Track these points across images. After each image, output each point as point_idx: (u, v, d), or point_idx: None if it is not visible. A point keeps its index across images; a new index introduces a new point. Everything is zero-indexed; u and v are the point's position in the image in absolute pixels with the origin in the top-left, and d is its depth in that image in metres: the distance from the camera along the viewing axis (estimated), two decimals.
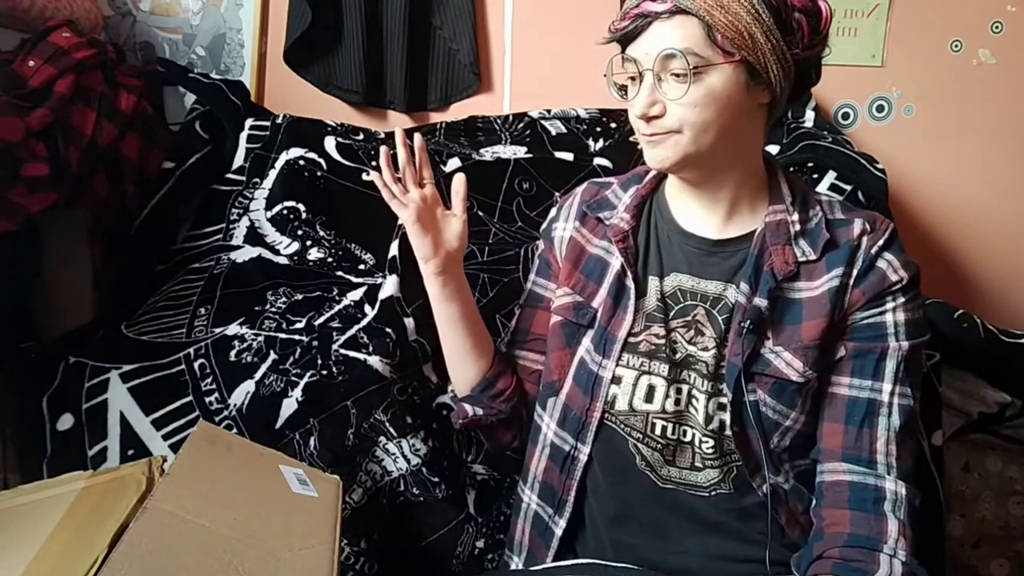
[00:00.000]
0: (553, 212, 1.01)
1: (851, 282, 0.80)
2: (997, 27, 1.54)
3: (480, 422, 0.96)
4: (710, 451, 0.82)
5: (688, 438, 0.83)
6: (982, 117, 1.57)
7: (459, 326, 0.94)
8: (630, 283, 0.87)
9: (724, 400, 0.81)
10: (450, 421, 1.14)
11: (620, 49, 0.81)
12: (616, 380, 0.85)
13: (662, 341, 0.84)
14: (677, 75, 0.75)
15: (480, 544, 1.11)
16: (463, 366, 0.96)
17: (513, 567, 0.97)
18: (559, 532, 0.90)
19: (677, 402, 0.84)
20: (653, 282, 0.87)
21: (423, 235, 0.89)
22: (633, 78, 0.79)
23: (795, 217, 0.83)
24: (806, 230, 0.83)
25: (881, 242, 0.81)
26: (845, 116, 1.59)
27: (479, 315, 0.97)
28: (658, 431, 0.84)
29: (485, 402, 0.95)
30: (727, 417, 0.80)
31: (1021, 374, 1.19)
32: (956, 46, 1.55)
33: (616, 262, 0.89)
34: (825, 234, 0.82)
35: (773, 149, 1.36)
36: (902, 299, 0.80)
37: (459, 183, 0.93)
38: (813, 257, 0.81)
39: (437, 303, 0.94)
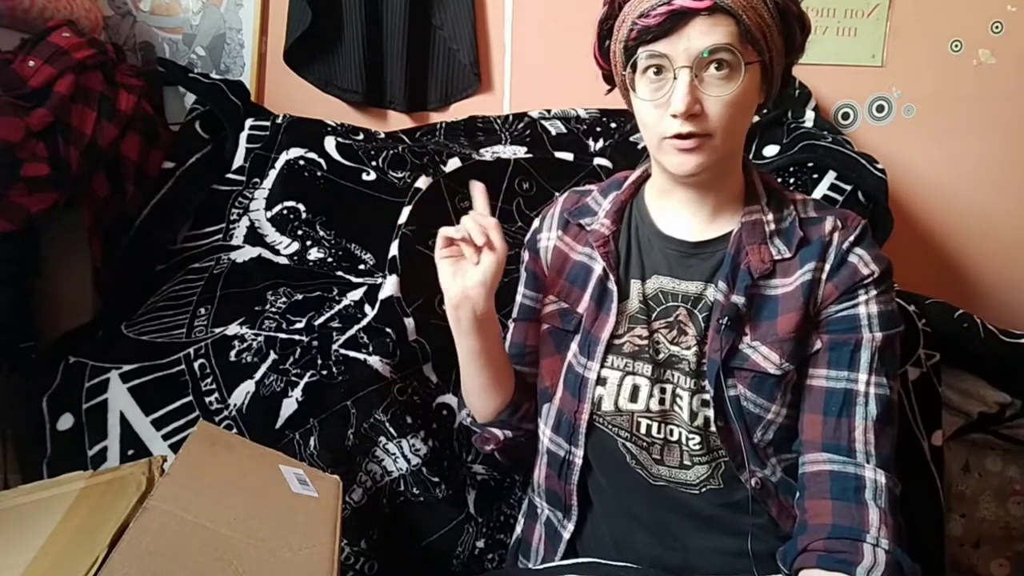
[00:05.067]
0: (536, 223, 1.02)
1: (824, 276, 0.82)
2: (997, 27, 1.54)
3: (511, 443, 0.96)
4: (697, 447, 0.83)
5: (675, 437, 0.84)
6: (982, 117, 1.57)
7: (480, 360, 0.89)
8: (612, 286, 0.88)
9: (707, 396, 0.82)
10: (450, 421, 1.14)
11: (626, 46, 0.79)
12: (601, 381, 0.86)
13: (645, 342, 0.86)
14: (718, 72, 0.75)
15: (480, 544, 1.11)
16: (485, 398, 0.94)
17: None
18: (567, 535, 0.91)
19: (662, 401, 0.85)
20: (635, 285, 0.88)
21: (444, 267, 0.85)
22: (658, 73, 0.77)
23: (770, 217, 0.85)
24: (780, 229, 0.85)
25: (852, 238, 0.83)
26: (845, 116, 1.59)
27: (502, 346, 0.93)
28: (643, 430, 0.85)
29: (514, 424, 0.95)
30: (711, 413, 0.82)
31: (1021, 374, 1.19)
32: (956, 46, 1.55)
33: (598, 267, 0.90)
34: (799, 232, 0.84)
35: (773, 149, 1.36)
36: (874, 292, 0.81)
37: (477, 191, 0.88)
38: (788, 255, 0.83)
39: (457, 337, 0.89)
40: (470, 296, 0.83)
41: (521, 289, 1.01)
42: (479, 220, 0.83)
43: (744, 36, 0.75)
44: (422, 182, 1.28)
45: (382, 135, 1.43)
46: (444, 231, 0.85)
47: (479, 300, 0.84)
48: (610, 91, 0.90)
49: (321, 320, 1.15)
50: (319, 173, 1.29)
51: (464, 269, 0.84)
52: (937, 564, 1.12)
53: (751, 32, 0.75)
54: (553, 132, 1.44)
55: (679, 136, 0.76)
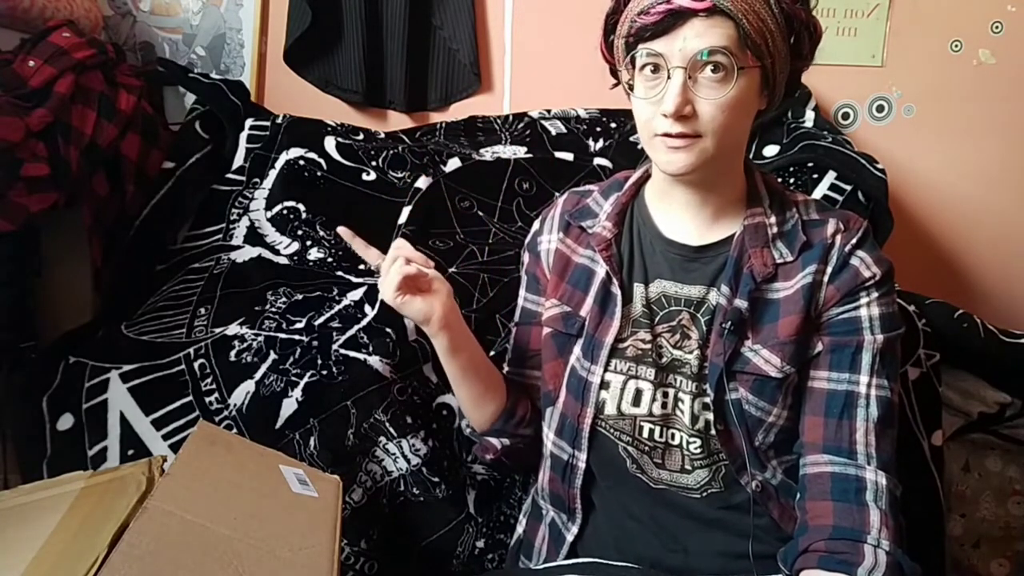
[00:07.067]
0: (536, 225, 1.01)
1: (825, 279, 0.82)
2: (997, 27, 1.54)
3: (509, 451, 0.96)
4: (698, 451, 0.83)
5: (676, 441, 0.85)
6: (982, 117, 1.57)
7: (471, 373, 0.93)
8: (616, 290, 0.88)
9: (708, 400, 0.82)
10: (450, 421, 1.14)
11: (627, 43, 0.79)
12: (605, 385, 0.86)
13: (648, 346, 0.85)
14: (714, 75, 0.74)
15: (480, 544, 1.11)
16: (481, 408, 0.96)
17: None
18: (570, 538, 0.91)
19: (664, 405, 0.85)
20: (638, 289, 0.88)
21: (411, 302, 0.87)
22: (655, 71, 0.77)
23: (772, 220, 0.85)
24: (783, 232, 0.85)
25: (854, 240, 0.83)
26: (845, 116, 1.59)
27: (485, 355, 0.96)
28: (645, 434, 0.85)
29: (510, 431, 0.96)
30: (712, 417, 0.82)
31: (1021, 374, 1.19)
32: (956, 46, 1.55)
33: (601, 270, 0.90)
34: (802, 236, 0.84)
35: (773, 149, 1.36)
36: (876, 294, 0.81)
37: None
38: (790, 258, 0.83)
39: (447, 357, 0.92)
40: (448, 308, 0.89)
41: (522, 292, 1.01)
42: (401, 254, 0.86)
43: (743, 40, 0.74)
44: (422, 182, 1.28)
45: (382, 135, 1.43)
46: (391, 287, 0.85)
47: (455, 308, 0.90)
48: (616, 85, 0.90)
49: (321, 320, 1.15)
50: (319, 173, 1.29)
51: (427, 294, 0.88)
52: (937, 564, 1.12)
53: (751, 37, 0.74)
54: (553, 132, 1.44)
55: (668, 135, 0.77)
